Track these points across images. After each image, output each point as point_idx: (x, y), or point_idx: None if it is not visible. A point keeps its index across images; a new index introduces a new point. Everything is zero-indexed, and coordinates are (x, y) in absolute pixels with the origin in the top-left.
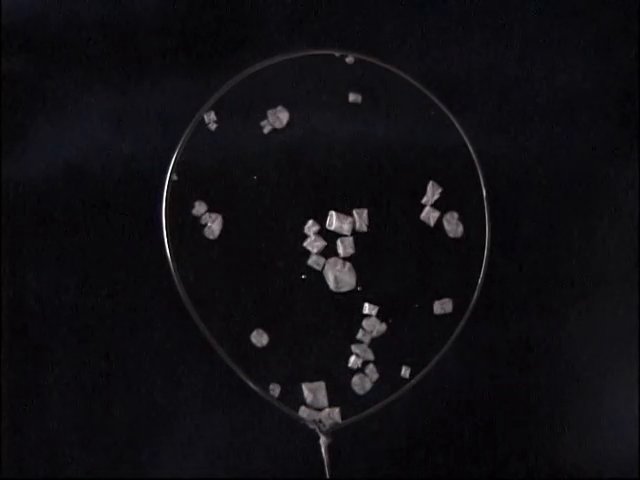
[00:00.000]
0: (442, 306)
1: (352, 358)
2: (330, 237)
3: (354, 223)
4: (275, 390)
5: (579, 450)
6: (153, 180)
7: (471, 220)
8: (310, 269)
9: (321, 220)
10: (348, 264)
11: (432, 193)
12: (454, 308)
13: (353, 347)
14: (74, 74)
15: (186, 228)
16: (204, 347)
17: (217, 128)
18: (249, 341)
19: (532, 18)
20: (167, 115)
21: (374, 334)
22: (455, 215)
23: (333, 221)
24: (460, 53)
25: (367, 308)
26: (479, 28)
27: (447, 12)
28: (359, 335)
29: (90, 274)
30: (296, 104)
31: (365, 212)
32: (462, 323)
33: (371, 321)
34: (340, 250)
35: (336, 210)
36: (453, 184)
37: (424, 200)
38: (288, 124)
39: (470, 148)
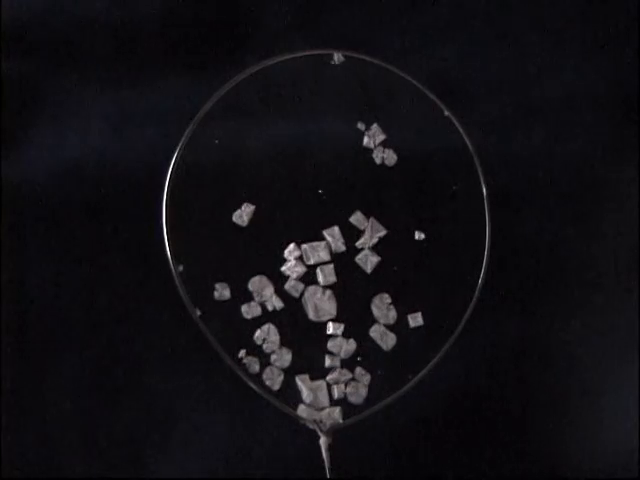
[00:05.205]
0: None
1: (334, 389)
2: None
3: (329, 246)
4: (275, 380)
5: (579, 450)
6: (153, 180)
7: (471, 220)
8: (287, 295)
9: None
10: (328, 292)
11: (370, 235)
12: (454, 308)
13: (328, 378)
14: (74, 74)
15: (186, 228)
16: (204, 347)
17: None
18: (249, 341)
19: (532, 18)
20: (167, 115)
21: (342, 355)
22: (386, 299)
23: (309, 255)
24: (460, 53)
25: (331, 328)
26: (479, 28)
27: (447, 12)
28: (327, 362)
29: (90, 274)
30: (296, 104)
31: (336, 229)
32: (462, 323)
33: (337, 341)
34: (320, 279)
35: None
36: (453, 184)
37: (360, 242)
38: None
39: (470, 148)
